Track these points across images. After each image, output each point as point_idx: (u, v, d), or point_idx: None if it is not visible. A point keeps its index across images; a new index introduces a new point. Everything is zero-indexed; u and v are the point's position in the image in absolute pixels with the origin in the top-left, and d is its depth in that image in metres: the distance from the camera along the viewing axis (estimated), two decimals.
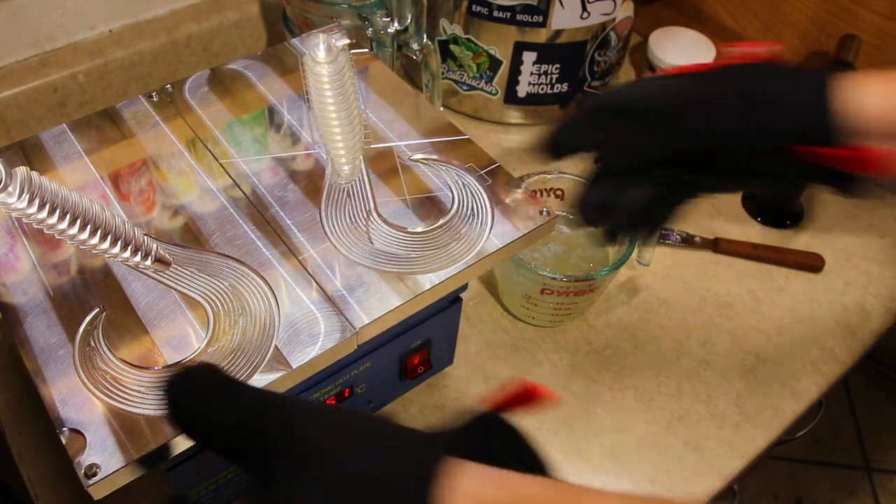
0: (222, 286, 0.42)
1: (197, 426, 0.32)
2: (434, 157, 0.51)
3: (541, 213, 0.48)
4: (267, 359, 0.40)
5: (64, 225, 0.38)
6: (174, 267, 0.43)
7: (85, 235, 0.39)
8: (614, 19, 0.77)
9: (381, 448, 0.31)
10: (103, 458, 0.35)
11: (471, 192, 0.49)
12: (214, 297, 0.42)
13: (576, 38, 0.76)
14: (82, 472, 0.35)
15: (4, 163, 0.38)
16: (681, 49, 0.86)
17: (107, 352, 0.39)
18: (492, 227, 0.47)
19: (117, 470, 0.35)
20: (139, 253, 0.42)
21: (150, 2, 0.81)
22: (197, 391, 0.31)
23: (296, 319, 0.41)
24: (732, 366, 0.65)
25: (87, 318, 0.41)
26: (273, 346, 0.40)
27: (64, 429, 0.36)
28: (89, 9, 0.78)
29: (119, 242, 0.41)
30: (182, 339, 0.40)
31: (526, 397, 0.36)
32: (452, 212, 0.47)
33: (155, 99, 0.54)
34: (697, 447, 0.60)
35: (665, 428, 0.61)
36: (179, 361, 0.39)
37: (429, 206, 0.48)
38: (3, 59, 0.75)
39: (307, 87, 0.52)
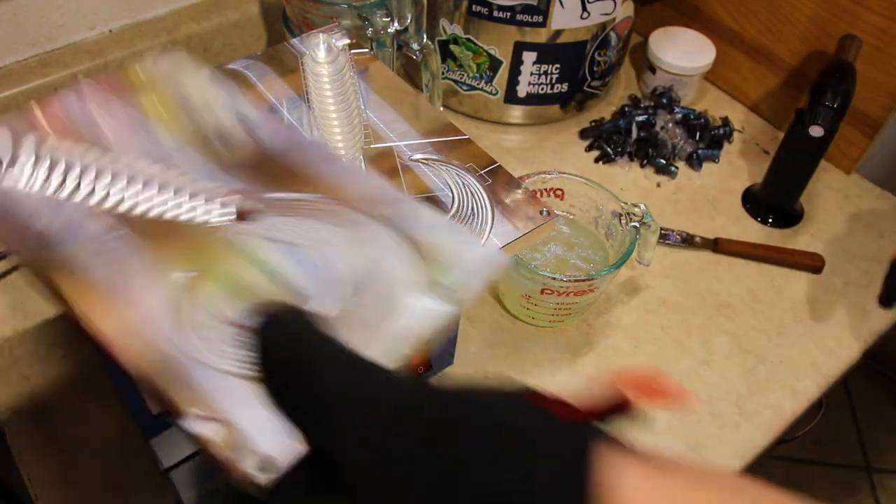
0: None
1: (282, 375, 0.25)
2: (434, 157, 0.51)
3: (541, 213, 0.48)
4: None
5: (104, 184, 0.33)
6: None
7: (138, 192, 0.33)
8: (614, 19, 0.77)
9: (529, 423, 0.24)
10: (272, 446, 0.27)
11: (471, 192, 0.49)
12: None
13: (576, 38, 0.76)
14: (256, 471, 0.26)
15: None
16: (681, 49, 0.86)
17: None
18: (492, 227, 0.47)
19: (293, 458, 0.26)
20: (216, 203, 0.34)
21: (150, 2, 0.81)
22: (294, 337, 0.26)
23: None
24: (732, 366, 0.65)
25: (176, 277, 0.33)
26: None
27: (213, 421, 0.27)
28: (89, 9, 0.78)
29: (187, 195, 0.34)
30: None
31: (648, 391, 0.29)
32: (452, 212, 0.47)
33: None
34: (697, 447, 0.60)
35: (665, 428, 0.61)
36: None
37: (429, 206, 0.48)
38: (3, 59, 0.75)
39: (307, 87, 0.52)
